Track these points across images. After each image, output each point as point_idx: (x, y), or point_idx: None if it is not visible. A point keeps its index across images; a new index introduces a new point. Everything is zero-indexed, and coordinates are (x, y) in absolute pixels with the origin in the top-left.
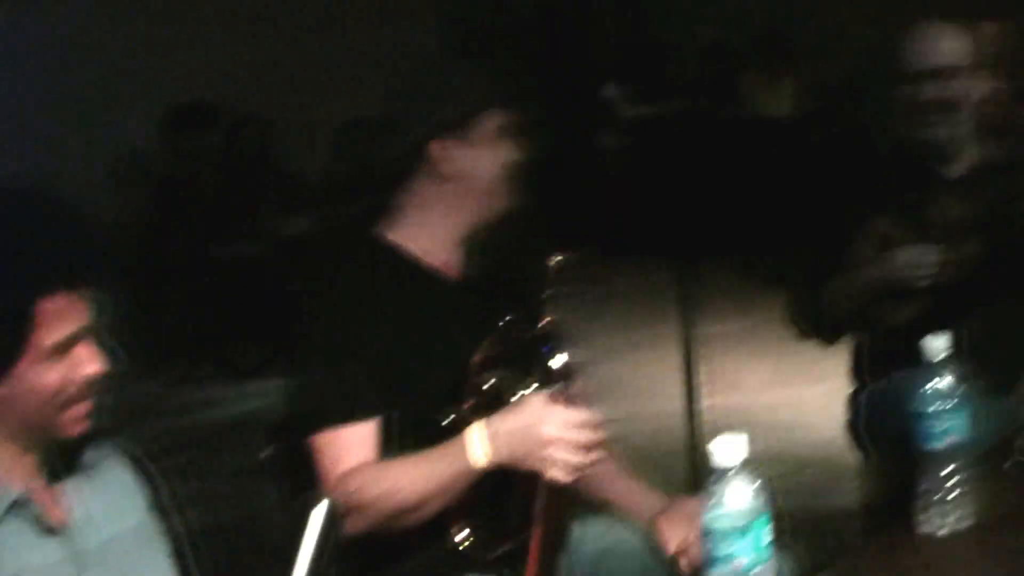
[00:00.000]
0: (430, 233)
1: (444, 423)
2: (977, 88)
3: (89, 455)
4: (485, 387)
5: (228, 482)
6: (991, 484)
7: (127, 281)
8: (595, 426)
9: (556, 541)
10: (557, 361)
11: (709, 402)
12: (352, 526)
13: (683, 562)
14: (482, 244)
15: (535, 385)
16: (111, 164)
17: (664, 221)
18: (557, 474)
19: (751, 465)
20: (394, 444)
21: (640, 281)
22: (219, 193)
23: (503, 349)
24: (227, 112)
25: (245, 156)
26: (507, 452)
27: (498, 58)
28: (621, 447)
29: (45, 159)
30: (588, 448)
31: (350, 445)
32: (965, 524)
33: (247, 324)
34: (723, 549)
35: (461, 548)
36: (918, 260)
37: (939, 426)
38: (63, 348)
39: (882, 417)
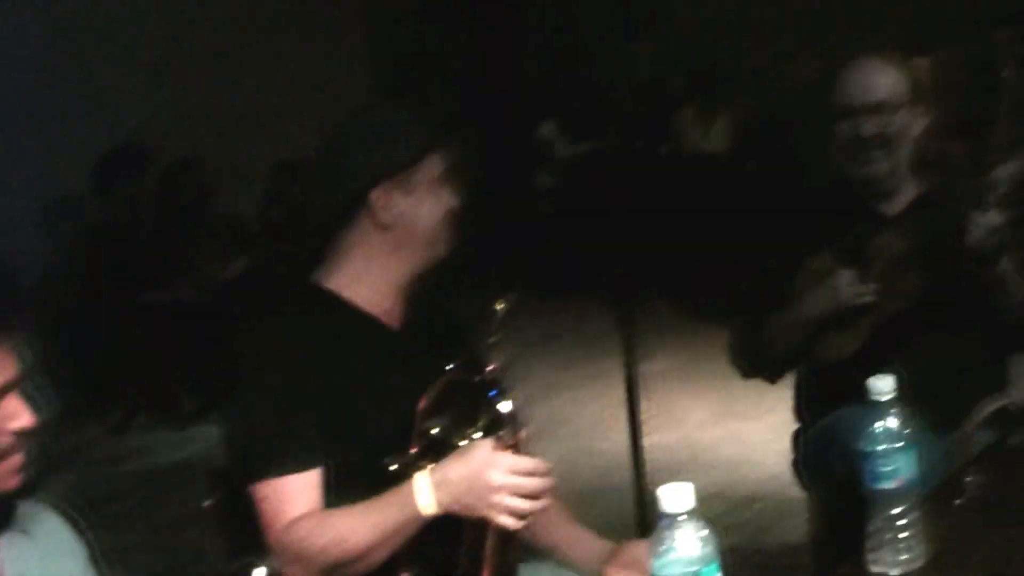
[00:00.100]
0: (370, 281)
1: (390, 471)
2: (913, 123)
3: (22, 510)
4: (431, 434)
5: (167, 533)
6: (940, 523)
7: (61, 328)
8: (541, 472)
9: None
10: (503, 407)
11: (653, 439)
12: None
13: None
14: (423, 290)
15: (481, 432)
16: (42, 211)
17: (603, 259)
18: (504, 520)
19: (699, 511)
20: (340, 492)
21: (581, 320)
22: (154, 238)
23: (448, 396)
24: (160, 157)
25: (180, 201)
26: (454, 499)
27: (436, 102)
28: (567, 488)
29: None
30: (535, 494)
31: (294, 494)
32: (916, 564)
33: (185, 370)
34: None
35: None
36: (857, 293)
37: (887, 465)
38: None
39: (827, 455)
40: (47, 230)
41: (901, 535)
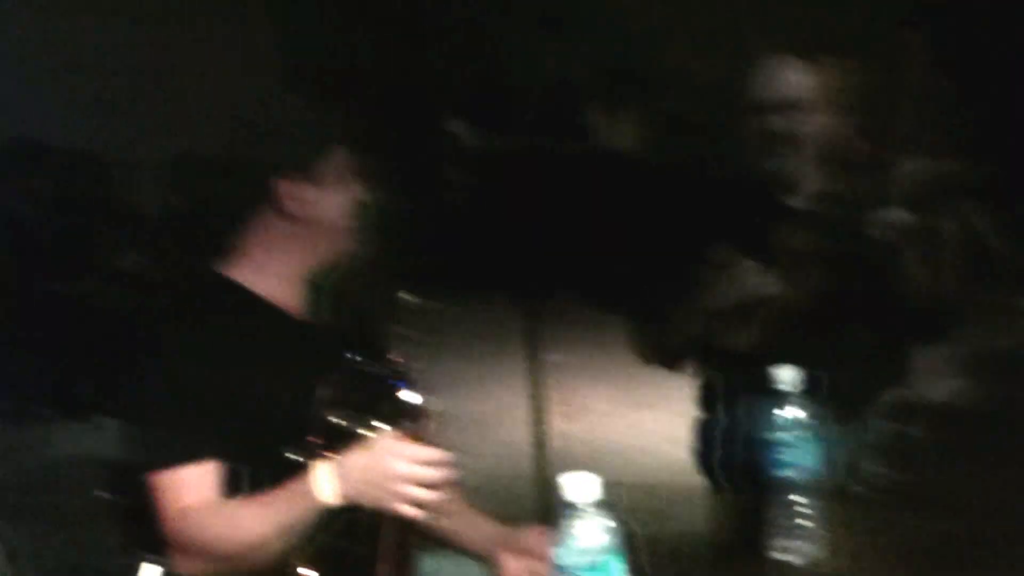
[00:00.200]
0: (275, 272)
1: (291, 461)
2: (822, 121)
3: None
4: (332, 425)
5: (69, 526)
6: (841, 512)
7: None
8: (443, 463)
9: None
10: (406, 398)
11: (556, 429)
12: (193, 567)
13: None
14: (328, 283)
15: (383, 423)
16: None
17: (509, 253)
18: (405, 511)
19: (605, 501)
20: (240, 484)
21: (486, 310)
22: (53, 231)
23: (351, 387)
24: (57, 151)
25: (80, 194)
26: (355, 490)
27: (343, 96)
28: (469, 480)
29: None
30: (436, 485)
31: (190, 485)
32: (815, 554)
33: (83, 361)
34: None
35: None
36: (761, 287)
37: (789, 456)
38: None
39: (731, 445)
40: None
41: (802, 524)
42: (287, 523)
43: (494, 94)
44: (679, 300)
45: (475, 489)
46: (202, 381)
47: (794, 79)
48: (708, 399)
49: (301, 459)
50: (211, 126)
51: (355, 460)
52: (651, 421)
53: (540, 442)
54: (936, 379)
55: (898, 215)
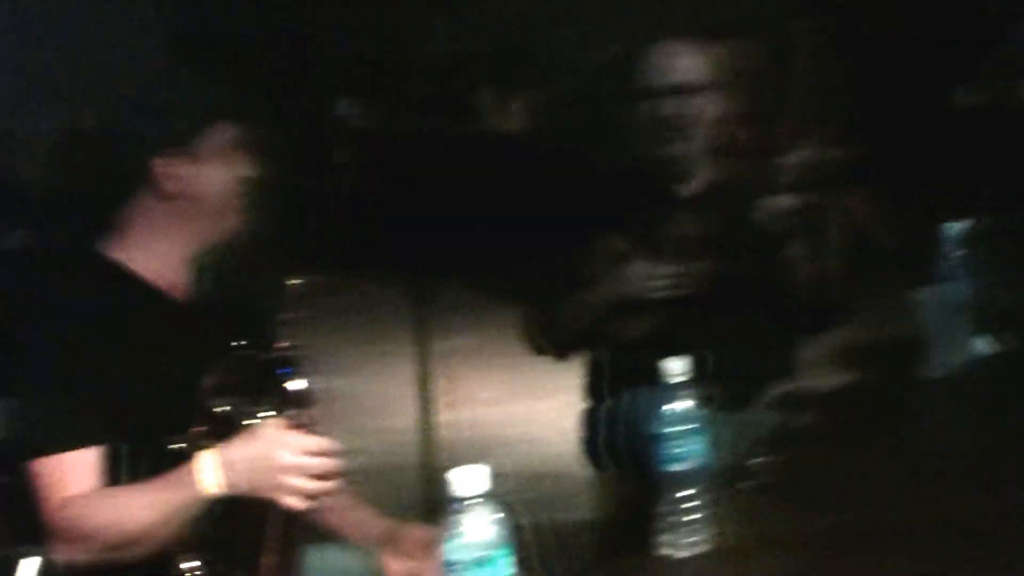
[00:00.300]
0: (156, 253)
1: (174, 450)
2: (712, 107)
3: None
4: (217, 413)
5: None
6: (728, 505)
7: None
8: (330, 453)
9: (288, 570)
10: (292, 387)
11: (444, 417)
12: (73, 557)
13: None
14: (212, 265)
15: (269, 411)
16: None
17: (398, 238)
18: (291, 502)
19: (493, 495)
20: (122, 471)
21: (374, 297)
22: None
23: (236, 374)
24: None
25: None
26: (240, 479)
27: (226, 71)
28: (357, 470)
29: None
30: (323, 475)
31: (71, 472)
32: (702, 547)
33: None
34: None
35: None
36: (650, 275)
37: (677, 448)
38: None
39: (618, 436)
40: None
41: (689, 517)
42: (171, 512)
43: (382, 72)
44: (568, 288)
45: (361, 477)
46: (82, 365)
47: (684, 64)
48: (596, 388)
49: (185, 447)
50: (92, 99)
51: (240, 449)
52: (540, 410)
53: (427, 430)
54: (822, 369)
55: (785, 202)
